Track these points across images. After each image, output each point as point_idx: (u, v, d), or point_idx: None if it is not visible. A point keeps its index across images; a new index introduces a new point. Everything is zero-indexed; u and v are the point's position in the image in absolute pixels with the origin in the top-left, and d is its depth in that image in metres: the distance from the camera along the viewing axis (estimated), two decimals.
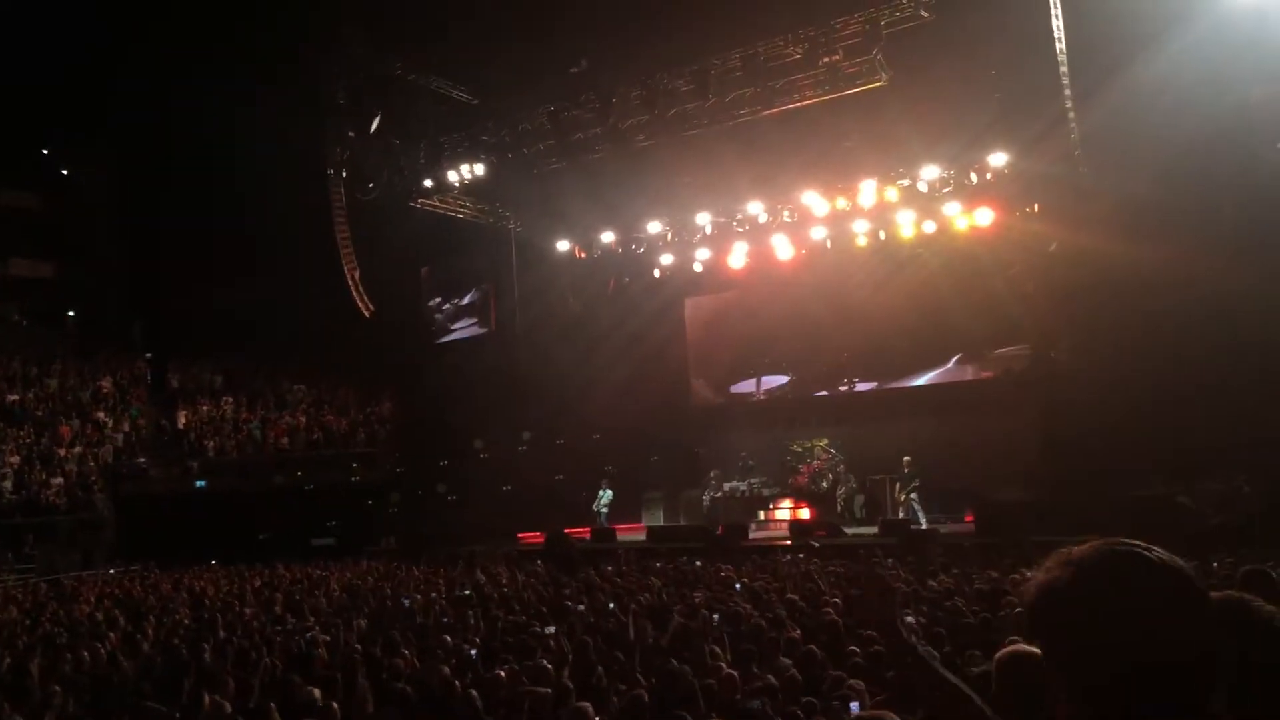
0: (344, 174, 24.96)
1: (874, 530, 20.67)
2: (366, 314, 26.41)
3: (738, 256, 25.98)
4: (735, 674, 7.47)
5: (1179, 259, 17.85)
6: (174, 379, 33.74)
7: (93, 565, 25.53)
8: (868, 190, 23.24)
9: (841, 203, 23.81)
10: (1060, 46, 18.09)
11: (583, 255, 28.21)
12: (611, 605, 12.00)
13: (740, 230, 25.64)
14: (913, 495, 21.56)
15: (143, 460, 30.35)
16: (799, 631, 9.27)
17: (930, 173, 22.53)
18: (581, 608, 12.20)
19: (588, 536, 23.28)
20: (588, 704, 6.78)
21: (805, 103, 20.40)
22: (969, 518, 20.35)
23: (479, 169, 24.57)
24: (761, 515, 23.91)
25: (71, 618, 14.51)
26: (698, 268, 26.77)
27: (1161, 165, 17.70)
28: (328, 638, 10.74)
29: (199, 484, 29.43)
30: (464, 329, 30.09)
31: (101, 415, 31.13)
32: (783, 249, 25.23)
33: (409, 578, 18.06)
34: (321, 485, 29.23)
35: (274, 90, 25.30)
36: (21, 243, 36.56)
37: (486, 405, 28.47)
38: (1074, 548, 1.67)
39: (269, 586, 17.73)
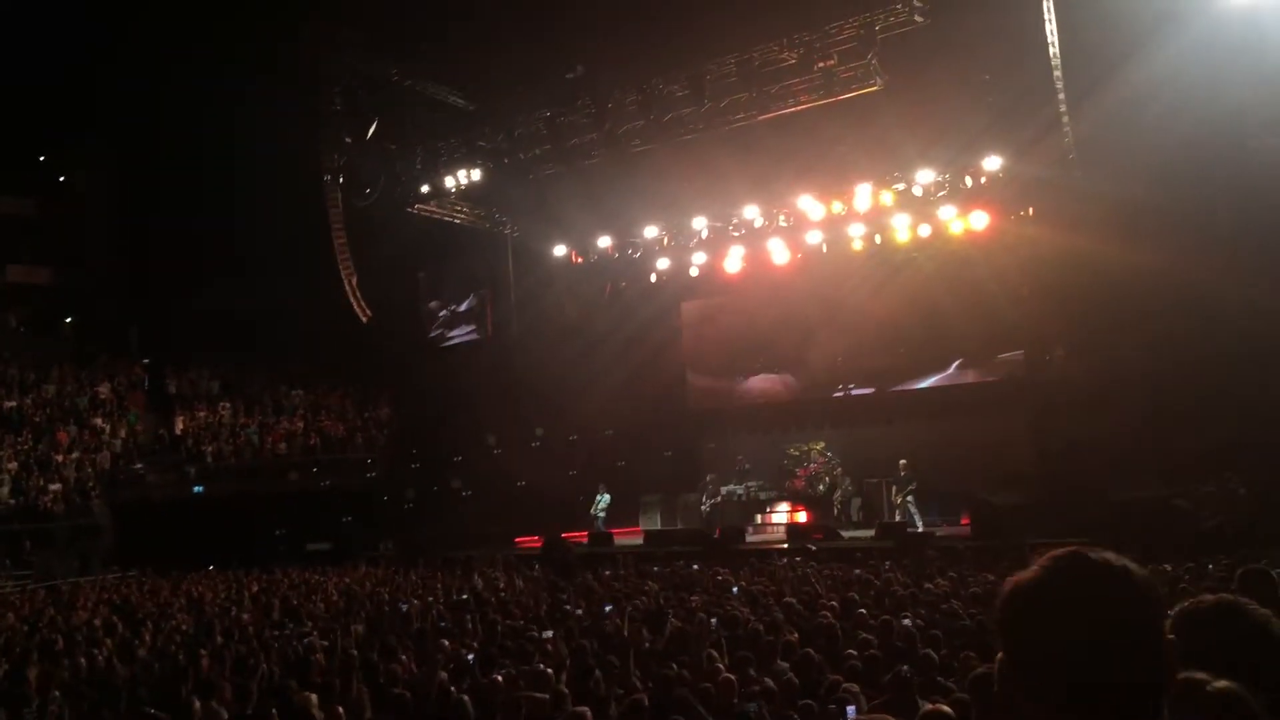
0: (341, 180, 24.99)
1: (871, 533, 20.69)
2: (364, 319, 26.43)
3: (733, 261, 26.01)
4: (733, 678, 7.49)
5: (1174, 262, 17.91)
6: (171, 385, 33.68)
7: (90, 571, 25.46)
8: (863, 194, 23.29)
9: (837, 207, 23.86)
10: (1054, 50, 18.16)
11: (579, 260, 28.24)
12: (608, 608, 12.02)
13: (736, 234, 25.68)
14: (909, 498, 21.58)
15: (140, 466, 30.30)
16: (796, 635, 9.28)
17: (925, 177, 22.59)
18: (579, 612, 12.21)
19: (585, 541, 23.27)
20: (585, 709, 6.80)
21: (800, 107, 20.47)
22: (965, 520, 20.38)
23: (475, 174, 24.62)
24: (759, 519, 23.92)
25: (69, 624, 14.49)
26: (694, 272, 26.80)
27: (1156, 168, 17.76)
28: (325, 643, 10.75)
29: (196, 489, 29.38)
30: (461, 336, 30.10)
31: (99, 421, 31.09)
32: (778, 253, 25.27)
33: (406, 583, 18.06)
34: (319, 490, 29.20)
35: (271, 96, 25.30)
36: (19, 249, 36.52)
37: (484, 410, 28.49)
38: (1054, 550, 1.69)
39: (266, 592, 17.71)
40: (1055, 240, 20.68)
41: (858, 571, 14.83)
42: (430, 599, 14.80)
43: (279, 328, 30.59)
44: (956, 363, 24.24)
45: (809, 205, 24.06)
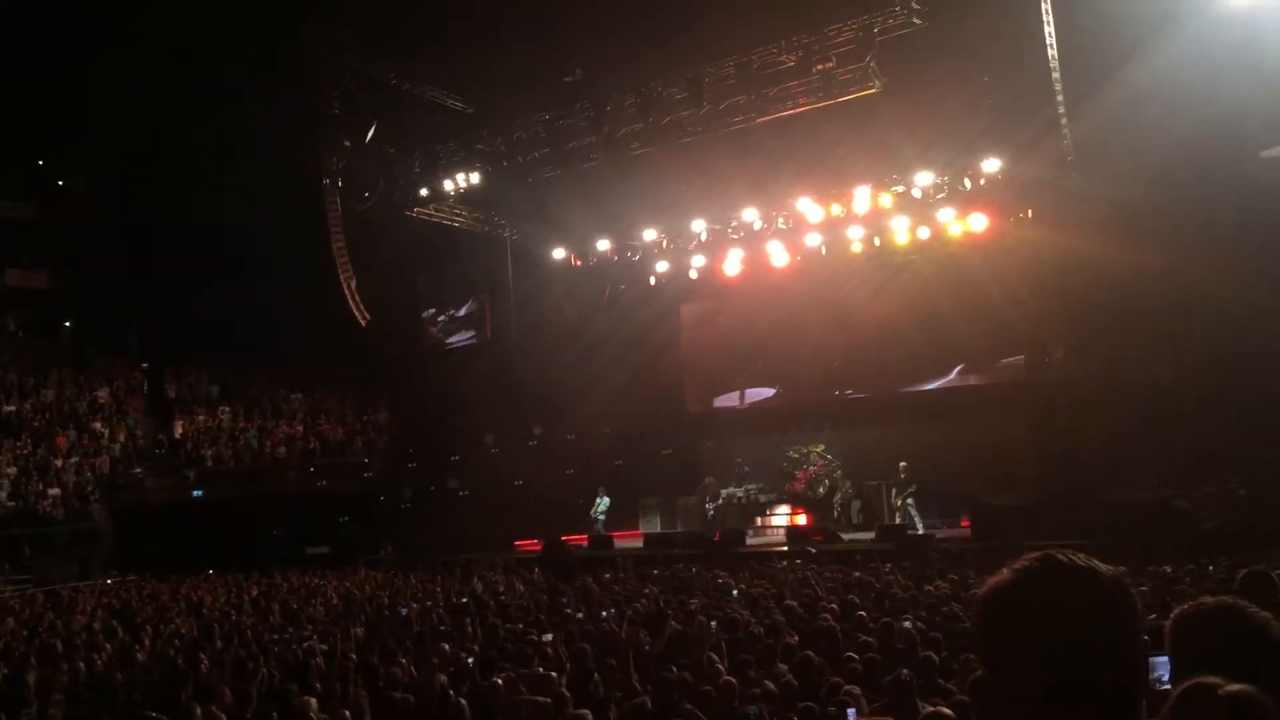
0: (340, 183, 25.00)
1: (871, 535, 20.67)
2: (363, 323, 26.43)
3: (733, 263, 26.00)
4: (734, 680, 7.48)
5: (1174, 262, 17.92)
6: (170, 389, 33.68)
7: (89, 576, 25.46)
8: (862, 196, 23.28)
9: (836, 209, 23.87)
10: (1052, 52, 18.17)
11: (578, 263, 28.25)
12: (608, 612, 12.00)
13: (735, 237, 25.68)
14: (909, 500, 21.57)
15: (139, 470, 30.29)
16: (796, 637, 9.27)
17: (924, 179, 22.59)
18: (580, 615, 12.21)
19: (585, 544, 23.26)
20: (586, 711, 6.79)
21: (799, 110, 20.48)
22: (965, 522, 20.36)
23: (474, 178, 24.63)
24: (758, 521, 23.90)
25: (68, 628, 14.48)
26: (693, 274, 26.81)
27: (1154, 169, 17.77)
28: (325, 647, 10.74)
29: (195, 494, 29.38)
30: (460, 341, 30.12)
31: (98, 425, 31.08)
32: (778, 255, 25.27)
33: (406, 586, 18.04)
34: (318, 494, 29.20)
35: (270, 99, 25.31)
36: (17, 253, 36.54)
37: (483, 412, 28.48)
38: (1031, 553, 1.70)
39: (266, 596, 17.70)
40: (1054, 242, 20.68)
41: (858, 574, 14.82)
42: (429, 603, 14.78)
43: (278, 331, 30.58)
44: (958, 368, 24.23)
45: (808, 207, 24.06)
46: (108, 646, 12.04)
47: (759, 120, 20.92)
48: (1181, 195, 17.96)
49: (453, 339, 30.17)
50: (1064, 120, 18.84)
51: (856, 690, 6.90)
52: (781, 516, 23.63)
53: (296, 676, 8.99)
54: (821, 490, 23.79)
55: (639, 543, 23.16)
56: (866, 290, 24.69)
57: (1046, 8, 17.87)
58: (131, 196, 35.82)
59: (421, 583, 18.45)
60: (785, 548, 20.45)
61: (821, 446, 24.60)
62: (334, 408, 33.37)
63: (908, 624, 9.44)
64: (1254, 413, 17.36)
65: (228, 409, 32.89)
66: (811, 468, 24.27)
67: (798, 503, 23.74)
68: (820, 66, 19.66)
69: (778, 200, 24.63)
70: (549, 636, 10.49)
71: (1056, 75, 18.39)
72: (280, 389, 33.80)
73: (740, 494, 24.44)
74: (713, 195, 25.00)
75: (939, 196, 22.78)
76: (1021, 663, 1.60)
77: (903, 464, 21.81)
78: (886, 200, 23.30)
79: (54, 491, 28.03)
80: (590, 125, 22.61)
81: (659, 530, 24.51)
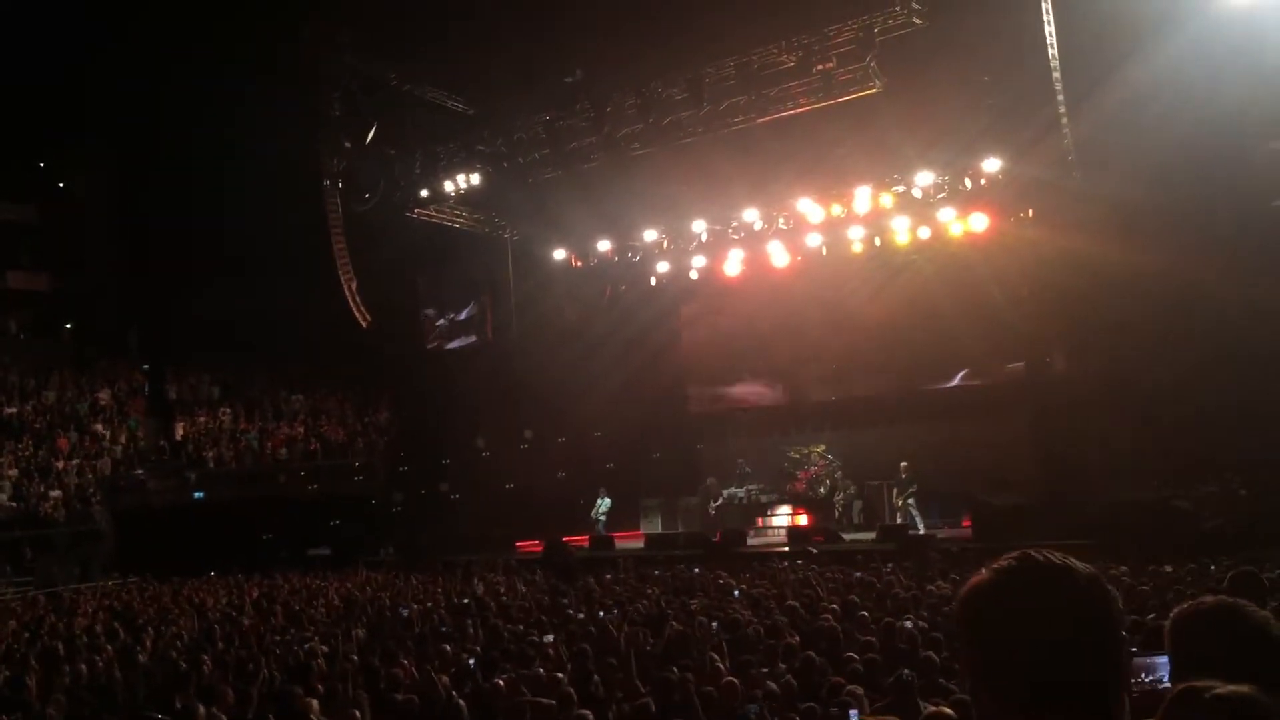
0: (340, 184, 24.99)
1: (872, 536, 20.68)
2: (364, 324, 26.43)
3: (733, 264, 25.99)
4: (735, 681, 7.49)
5: (1174, 262, 17.91)
6: (171, 390, 33.69)
7: (91, 577, 25.46)
8: (862, 197, 23.27)
9: (836, 209, 23.85)
10: (1053, 52, 18.17)
11: (579, 264, 28.24)
12: (606, 613, 12.00)
13: (736, 237, 25.68)
14: (910, 500, 21.57)
15: (140, 472, 30.29)
16: (798, 638, 9.27)
17: (925, 179, 22.57)
18: (581, 616, 12.21)
19: (586, 545, 23.26)
20: (588, 712, 6.80)
21: (799, 110, 20.45)
22: (966, 522, 20.36)
23: (475, 178, 24.61)
24: (759, 522, 23.90)
25: (70, 630, 14.49)
26: (693, 275, 26.81)
27: (1155, 169, 17.76)
28: (326, 648, 10.74)
29: (197, 495, 29.39)
30: (460, 345, 30.10)
31: (99, 427, 31.09)
32: (778, 256, 25.26)
33: (407, 587, 18.04)
34: (319, 495, 29.20)
35: (270, 100, 25.31)
36: (18, 254, 36.55)
37: (483, 413, 28.48)
38: (1010, 553, 1.72)
39: (267, 597, 17.71)
40: (1055, 242, 20.66)
41: (859, 574, 14.82)
42: (430, 604, 14.79)
43: (279, 332, 30.59)
44: (961, 374, 24.20)
45: (808, 208, 24.05)
46: (109, 648, 12.05)
47: (759, 120, 20.91)
48: (1181, 195, 17.95)
49: (453, 344, 30.15)
50: (1064, 120, 18.82)
51: (858, 690, 6.90)
52: (783, 517, 23.64)
53: (298, 678, 9.00)
54: (822, 490, 23.80)
55: (640, 543, 23.17)
56: (867, 290, 24.68)
57: (1046, 8, 17.86)
58: (132, 198, 35.83)
59: (422, 584, 18.45)
60: (786, 548, 20.45)
61: (822, 447, 24.60)
62: (335, 409, 33.38)
63: (909, 624, 9.45)
64: (1254, 413, 17.35)
65: (229, 410, 32.90)
66: (812, 468, 24.28)
67: (799, 503, 23.75)
68: (820, 67, 19.65)
69: (778, 200, 24.62)
70: (550, 637, 10.50)
71: (1057, 75, 18.37)
72: (281, 390, 33.82)
73: (741, 494, 24.46)
74: (713, 196, 24.98)
75: (939, 196, 22.77)
76: (1001, 662, 1.61)
77: (904, 464, 21.82)
78: (887, 200, 23.28)
79: (55, 493, 28.04)
80: (590, 126, 22.60)
81: (660, 531, 24.52)
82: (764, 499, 24.27)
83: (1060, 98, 18.62)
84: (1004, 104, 20.20)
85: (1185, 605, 2.65)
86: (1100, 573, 1.68)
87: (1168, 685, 2.45)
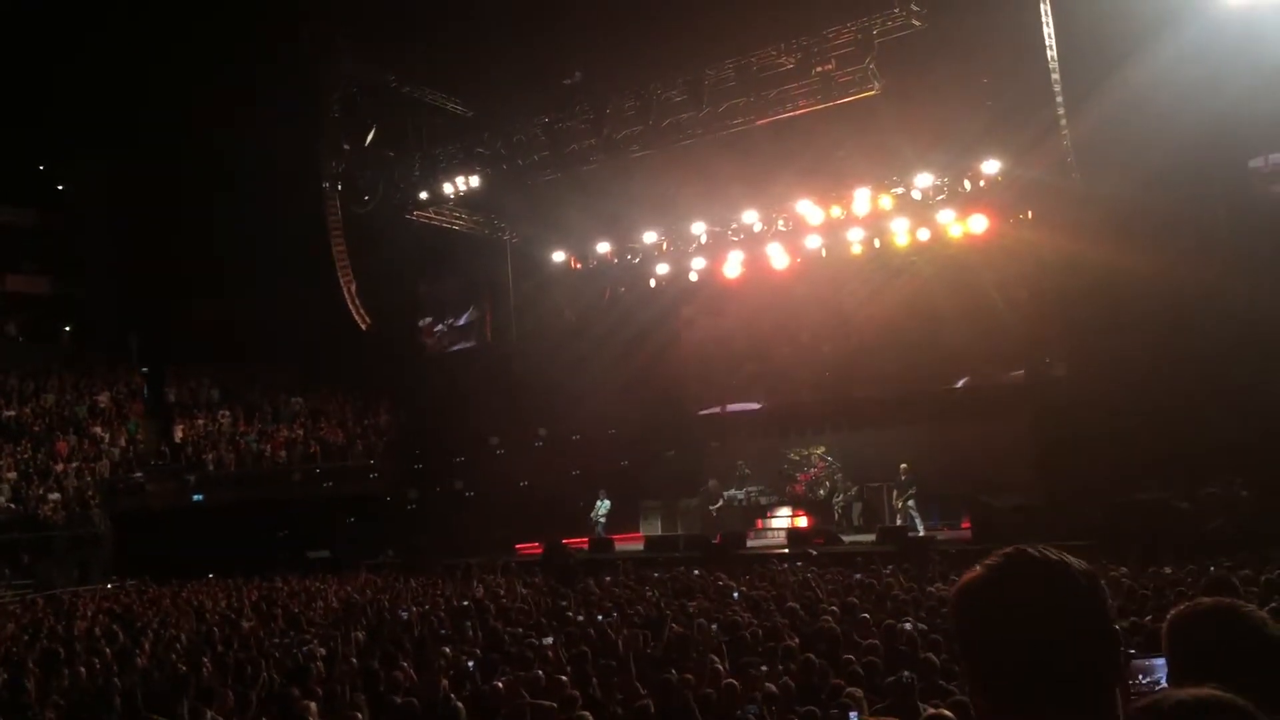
0: (340, 187, 25.00)
1: (872, 537, 20.67)
2: (363, 326, 26.43)
3: (732, 265, 25.99)
4: (735, 683, 7.48)
5: (1173, 263, 17.91)
6: (171, 393, 33.69)
7: (90, 580, 25.46)
8: (862, 198, 23.27)
9: (836, 211, 23.86)
10: (1052, 53, 18.17)
11: (578, 265, 28.24)
12: (607, 615, 11.99)
13: (735, 239, 25.67)
14: (910, 502, 21.55)
15: (140, 475, 30.29)
16: (797, 640, 9.27)
17: (924, 180, 22.57)
18: (581, 618, 12.20)
19: (585, 547, 23.24)
20: (587, 714, 6.79)
21: (799, 112, 20.44)
22: (966, 524, 20.34)
23: (474, 181, 24.61)
24: (759, 524, 23.89)
25: (69, 633, 14.48)
26: (693, 277, 26.81)
27: (1154, 170, 17.76)
28: (325, 651, 10.73)
29: (196, 498, 29.38)
30: (460, 349, 30.10)
31: (98, 430, 31.08)
32: (777, 258, 25.26)
33: (406, 590, 18.03)
34: (318, 498, 29.20)
35: (270, 103, 25.32)
36: (18, 258, 36.57)
37: (482, 415, 28.46)
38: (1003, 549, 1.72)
39: (267, 600, 17.70)
40: (1054, 243, 20.67)
41: (859, 576, 14.82)
42: (430, 606, 14.78)
43: (278, 335, 30.60)
44: (962, 381, 24.17)
45: (808, 210, 24.05)
46: (108, 651, 12.04)
47: (759, 122, 20.90)
48: (1181, 196, 17.96)
49: (453, 348, 30.16)
50: (1063, 121, 18.83)
51: (858, 692, 6.90)
52: (782, 519, 23.64)
53: (297, 680, 8.99)
54: (822, 492, 23.80)
55: (640, 545, 23.16)
56: (866, 292, 24.67)
57: (1046, 9, 17.87)
58: (132, 201, 35.83)
59: (422, 586, 18.44)
60: (786, 550, 20.44)
61: (822, 448, 24.60)
62: (334, 411, 33.36)
63: (909, 626, 9.44)
64: (1255, 413, 17.34)
65: (228, 413, 32.89)
66: (812, 470, 24.28)
67: (798, 505, 23.75)
68: (820, 68, 19.65)
69: (777, 202, 24.62)
70: (550, 640, 10.49)
71: (1056, 76, 18.38)
72: (280, 392, 33.81)
73: (741, 496, 24.43)
74: (712, 197, 24.98)
75: (939, 198, 22.76)
76: (996, 657, 1.61)
77: (903, 466, 21.80)
78: (886, 202, 23.28)
79: (54, 496, 28.03)
80: (590, 128, 22.60)
81: (660, 533, 24.50)
82: (764, 501, 24.26)
83: (1059, 99, 18.63)
84: (1003, 106, 20.22)
85: (1182, 606, 2.64)
86: (1094, 568, 1.68)
87: (1165, 687, 2.44)
